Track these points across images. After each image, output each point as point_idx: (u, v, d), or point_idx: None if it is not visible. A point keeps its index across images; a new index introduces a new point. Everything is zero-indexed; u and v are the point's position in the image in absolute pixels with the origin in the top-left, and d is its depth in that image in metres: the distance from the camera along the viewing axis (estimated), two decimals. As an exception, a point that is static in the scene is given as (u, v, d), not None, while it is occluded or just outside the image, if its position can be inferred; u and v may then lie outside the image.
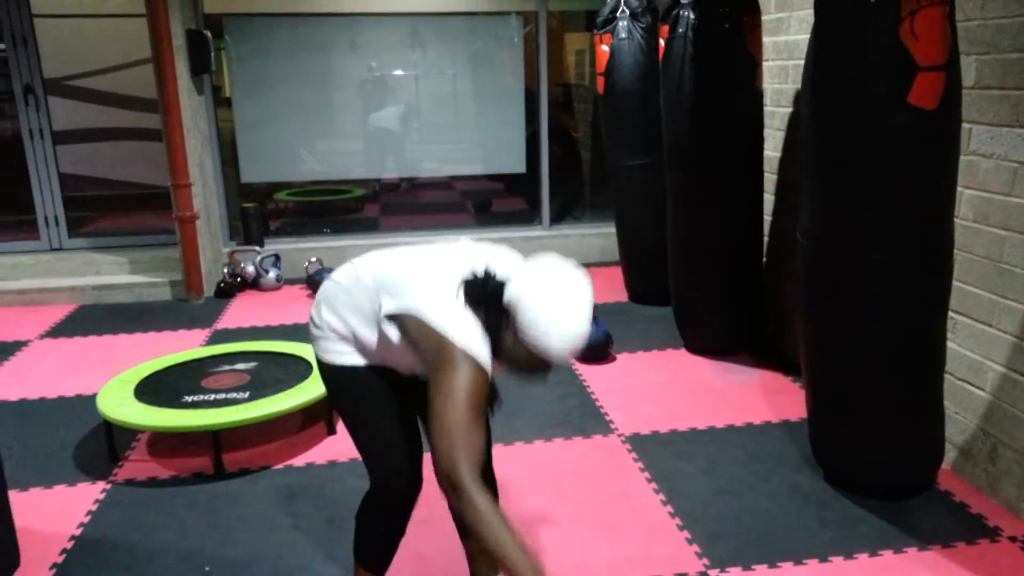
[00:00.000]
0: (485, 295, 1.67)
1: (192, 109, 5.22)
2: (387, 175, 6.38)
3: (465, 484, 1.54)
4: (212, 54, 5.28)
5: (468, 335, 1.64)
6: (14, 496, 2.68)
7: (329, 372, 1.89)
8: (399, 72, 5.91)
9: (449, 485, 1.57)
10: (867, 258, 2.47)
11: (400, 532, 2.00)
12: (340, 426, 3.35)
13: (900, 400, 2.58)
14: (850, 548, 2.44)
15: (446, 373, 1.61)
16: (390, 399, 1.87)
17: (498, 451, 2.97)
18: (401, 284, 1.75)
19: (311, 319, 1.92)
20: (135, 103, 5.78)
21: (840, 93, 2.41)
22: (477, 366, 1.62)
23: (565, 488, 2.83)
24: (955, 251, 2.58)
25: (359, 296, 1.81)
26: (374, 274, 1.81)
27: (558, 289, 1.63)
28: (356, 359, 1.85)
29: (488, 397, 1.71)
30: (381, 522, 1.98)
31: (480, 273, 1.70)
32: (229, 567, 2.43)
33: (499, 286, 1.66)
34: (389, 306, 1.73)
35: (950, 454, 2.84)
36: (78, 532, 2.63)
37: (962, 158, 2.60)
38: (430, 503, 2.74)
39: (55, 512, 2.76)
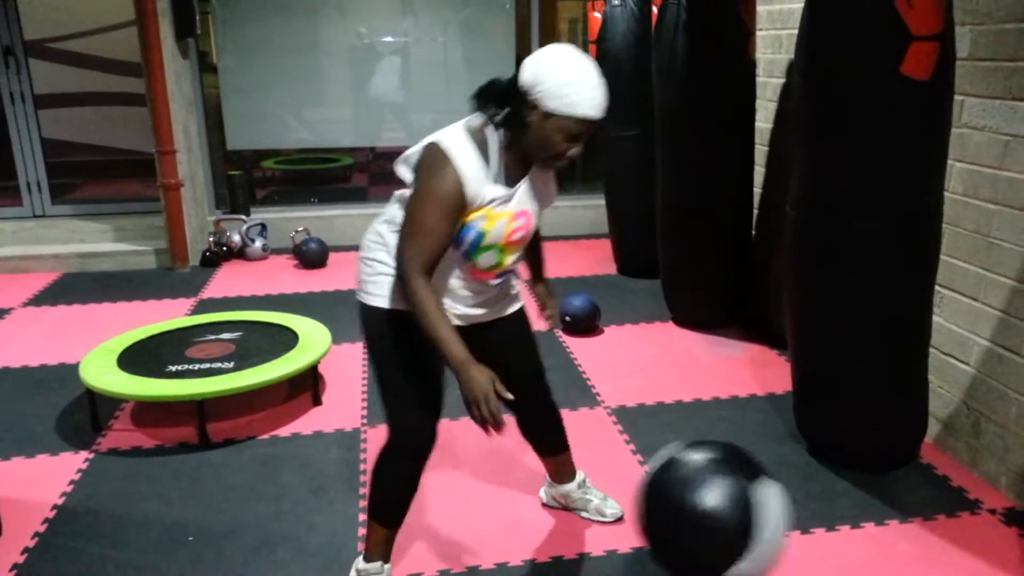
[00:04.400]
0: (498, 94, 1.81)
1: (177, 74, 5.13)
2: (376, 144, 6.31)
3: (410, 279, 1.76)
4: (197, 17, 5.17)
5: (459, 149, 1.78)
6: (-5, 465, 2.67)
7: (369, 314, 1.95)
8: (388, 39, 5.81)
9: (400, 276, 1.78)
10: (855, 229, 2.45)
11: (412, 487, 2.04)
12: (325, 397, 3.34)
13: (885, 373, 2.58)
14: (832, 519, 2.46)
15: (427, 177, 1.77)
16: (420, 354, 1.92)
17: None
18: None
19: (360, 259, 2.00)
20: (119, 67, 5.67)
21: (832, 61, 2.38)
22: (449, 167, 1.76)
23: (550, 459, 2.84)
24: (943, 224, 2.57)
25: (391, 207, 1.95)
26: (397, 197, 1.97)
27: (566, 54, 1.77)
28: (396, 302, 1.89)
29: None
30: (394, 475, 2.03)
31: (484, 90, 1.85)
32: (213, 537, 2.42)
33: (510, 80, 1.81)
34: (407, 176, 1.89)
35: (933, 427, 2.85)
36: (60, 502, 2.62)
37: (953, 131, 2.57)
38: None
39: (37, 482, 2.74)
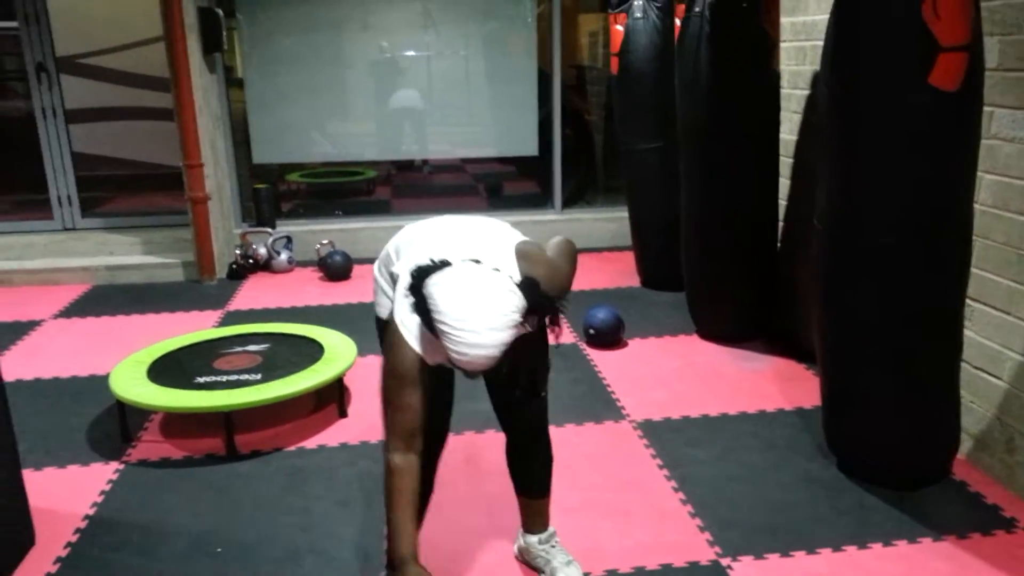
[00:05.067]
0: (421, 278, 1.69)
1: (204, 88, 5.20)
2: (399, 157, 6.35)
3: (387, 452, 1.77)
4: (224, 33, 5.25)
5: (402, 311, 1.75)
6: (28, 475, 2.70)
7: (380, 325, 2.02)
8: (411, 52, 5.86)
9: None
10: (884, 242, 2.43)
11: (428, 484, 2.07)
12: (351, 409, 3.35)
13: (916, 388, 2.55)
14: (864, 538, 2.42)
15: (387, 353, 1.79)
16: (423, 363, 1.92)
17: (509, 435, 2.96)
18: (397, 258, 1.93)
19: (374, 278, 2.08)
20: (147, 82, 5.76)
21: (860, 73, 2.36)
22: (403, 342, 1.75)
23: (576, 474, 2.82)
24: (973, 237, 2.54)
25: (387, 261, 2.00)
26: (396, 245, 2.00)
27: (466, 293, 1.60)
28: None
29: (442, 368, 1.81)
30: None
31: (437, 258, 1.72)
32: (240, 549, 2.44)
33: (429, 271, 1.69)
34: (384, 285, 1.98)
35: (966, 443, 2.80)
36: (92, 512, 2.65)
37: (983, 142, 2.54)
38: (443, 487, 2.74)
39: (69, 492, 2.78)
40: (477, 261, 1.73)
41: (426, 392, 1.78)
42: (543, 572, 2.26)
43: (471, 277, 1.64)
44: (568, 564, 2.24)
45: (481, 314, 1.59)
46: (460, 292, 1.61)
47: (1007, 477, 2.64)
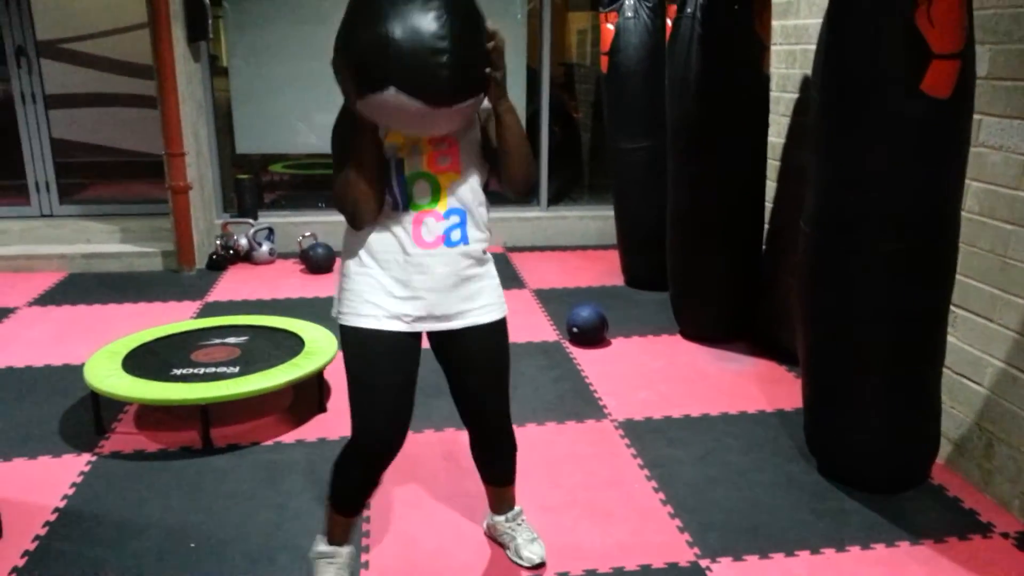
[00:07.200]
0: None
1: (188, 76, 5.13)
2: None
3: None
4: (210, 21, 5.17)
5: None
6: (-3, 466, 2.65)
7: (341, 332, 1.98)
8: (399, 46, 5.80)
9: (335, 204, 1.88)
10: (871, 246, 2.43)
11: (373, 484, 2.07)
12: (330, 404, 3.31)
13: (897, 393, 2.55)
14: (842, 540, 2.43)
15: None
16: (388, 369, 1.94)
17: (490, 433, 2.94)
18: None
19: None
20: (130, 68, 5.68)
21: (852, 78, 2.36)
22: (343, 108, 1.81)
23: (557, 473, 2.81)
24: (959, 244, 2.54)
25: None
26: None
27: None
28: (351, 319, 1.93)
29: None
30: (355, 473, 2.06)
31: None
32: (215, 544, 2.40)
33: None
34: None
35: (945, 448, 2.82)
36: (62, 504, 2.59)
37: (971, 150, 2.55)
38: (423, 484, 2.71)
39: (39, 483, 2.72)
40: None
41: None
42: (508, 548, 2.34)
43: None
44: (532, 541, 2.31)
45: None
46: None
47: (984, 482, 2.66)
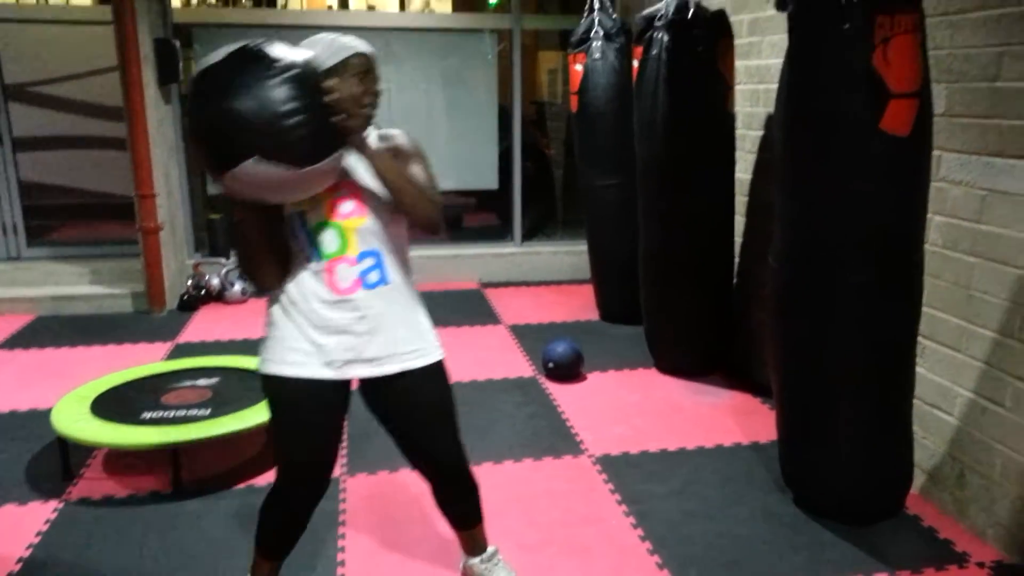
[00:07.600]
0: None
1: (159, 119, 5.12)
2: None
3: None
4: (181, 64, 5.19)
5: None
6: (-41, 516, 2.57)
7: (265, 380, 1.97)
8: (372, 86, 5.85)
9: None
10: (838, 282, 2.48)
11: (297, 527, 2.07)
12: (305, 445, 3.27)
13: (870, 424, 2.58)
14: (819, 572, 2.43)
15: None
16: (311, 417, 1.96)
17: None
18: None
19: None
20: (100, 111, 5.65)
21: (813, 118, 2.42)
22: None
23: (534, 510, 2.79)
24: (924, 277, 2.60)
25: None
26: None
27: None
28: (271, 365, 1.93)
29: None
30: (278, 516, 2.07)
31: None
32: (186, 592, 2.34)
33: None
34: None
35: (919, 479, 2.84)
36: (27, 554, 2.52)
37: (932, 185, 2.62)
38: (398, 526, 2.67)
39: (3, 533, 2.64)
40: None
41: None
42: None
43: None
44: None
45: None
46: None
47: (959, 512, 2.68)
